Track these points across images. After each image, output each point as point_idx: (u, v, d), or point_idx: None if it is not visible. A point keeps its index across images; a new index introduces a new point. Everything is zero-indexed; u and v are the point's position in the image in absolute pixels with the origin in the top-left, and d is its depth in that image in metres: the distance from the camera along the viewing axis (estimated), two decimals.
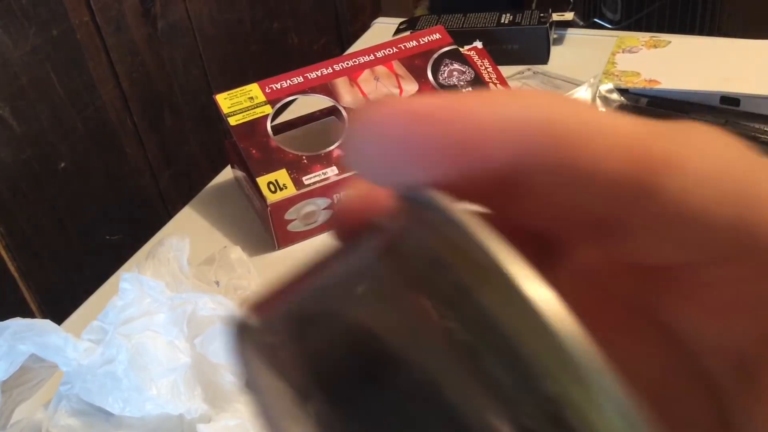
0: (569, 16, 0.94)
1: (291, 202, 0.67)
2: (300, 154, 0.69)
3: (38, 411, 0.49)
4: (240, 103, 0.71)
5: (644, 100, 0.80)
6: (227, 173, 0.81)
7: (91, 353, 0.46)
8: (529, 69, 0.90)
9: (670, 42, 0.90)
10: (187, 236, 0.55)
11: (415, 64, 0.76)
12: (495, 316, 0.11)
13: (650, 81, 0.80)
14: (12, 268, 0.82)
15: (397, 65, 0.76)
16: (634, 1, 1.14)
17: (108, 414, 0.47)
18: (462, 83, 0.75)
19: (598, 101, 0.79)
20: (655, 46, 0.89)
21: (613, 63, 0.87)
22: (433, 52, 0.77)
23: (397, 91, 0.74)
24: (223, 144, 0.77)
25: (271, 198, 0.66)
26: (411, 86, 0.74)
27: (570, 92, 0.81)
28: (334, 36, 1.36)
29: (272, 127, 0.70)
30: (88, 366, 0.46)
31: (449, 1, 1.21)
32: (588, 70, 0.85)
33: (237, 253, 0.62)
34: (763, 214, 0.14)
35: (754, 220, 0.14)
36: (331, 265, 0.14)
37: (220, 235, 0.72)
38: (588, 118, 0.14)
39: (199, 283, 0.55)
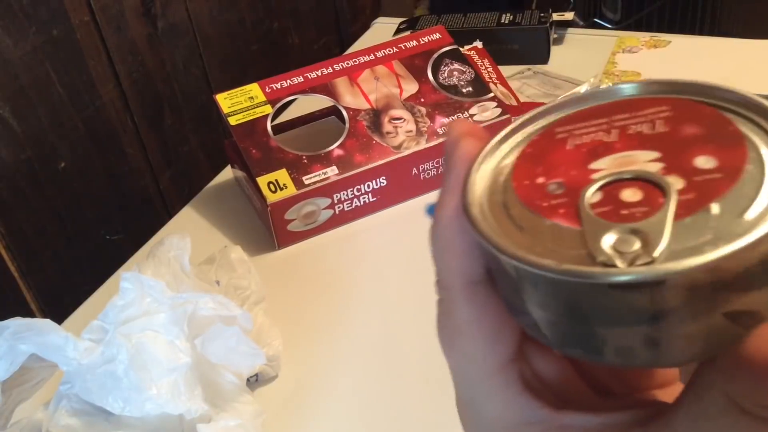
0: (569, 16, 0.94)
1: (291, 201, 0.67)
2: (300, 153, 0.69)
3: (38, 410, 0.49)
4: (240, 103, 0.71)
5: None
6: (227, 173, 0.81)
7: (91, 353, 0.46)
8: (529, 69, 0.90)
9: (670, 42, 0.90)
10: (187, 235, 0.55)
11: (416, 64, 0.76)
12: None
13: None
14: (12, 268, 0.82)
15: (397, 65, 0.76)
16: (634, 1, 1.14)
17: (108, 413, 0.47)
18: (462, 83, 0.75)
19: None
20: (655, 46, 0.89)
21: (613, 63, 0.87)
22: (433, 51, 0.77)
23: (398, 90, 0.74)
24: (223, 144, 0.77)
25: (271, 198, 0.66)
26: (411, 86, 0.74)
27: (570, 92, 0.81)
28: (334, 36, 1.36)
29: (272, 126, 0.70)
30: (88, 365, 0.46)
31: (449, 1, 1.21)
32: (588, 70, 0.85)
33: (237, 252, 0.62)
34: None
35: None
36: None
37: (220, 234, 0.72)
38: None
39: (200, 282, 0.55)
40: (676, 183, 0.20)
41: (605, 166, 0.22)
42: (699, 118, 0.23)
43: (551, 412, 0.23)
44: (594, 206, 0.20)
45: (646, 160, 0.21)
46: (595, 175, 0.22)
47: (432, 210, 0.26)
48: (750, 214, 0.19)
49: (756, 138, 0.21)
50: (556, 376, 0.26)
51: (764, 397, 0.18)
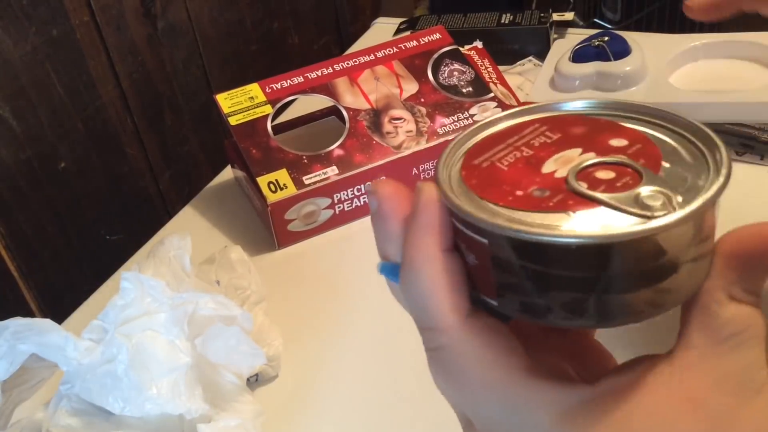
0: (569, 16, 0.94)
1: (291, 201, 0.67)
2: (300, 153, 0.69)
3: (38, 411, 0.49)
4: (240, 103, 0.71)
5: None
6: (227, 173, 0.81)
7: (91, 352, 0.46)
8: (530, 60, 0.90)
9: None
10: (188, 235, 0.55)
11: (416, 64, 0.76)
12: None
13: None
14: (12, 268, 0.82)
15: (397, 65, 0.76)
16: (634, 1, 1.14)
17: (108, 413, 0.47)
18: (462, 83, 0.75)
19: None
20: None
21: None
22: (433, 52, 0.77)
23: (398, 90, 0.74)
24: (223, 144, 0.77)
25: (272, 198, 0.66)
26: (411, 86, 0.74)
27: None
28: (334, 36, 1.36)
29: (272, 126, 0.70)
30: (88, 365, 0.46)
31: (449, 1, 1.21)
32: None
33: (237, 252, 0.62)
34: None
35: None
36: None
37: (220, 234, 0.72)
38: None
39: (201, 282, 0.55)
40: (623, 158, 0.23)
41: (556, 167, 0.24)
42: (570, 122, 0.26)
43: (590, 386, 0.23)
44: (591, 190, 0.22)
45: (579, 154, 0.24)
46: (558, 174, 0.23)
47: (387, 269, 0.25)
48: (690, 160, 0.23)
49: (621, 120, 0.25)
50: (556, 360, 0.26)
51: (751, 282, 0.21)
